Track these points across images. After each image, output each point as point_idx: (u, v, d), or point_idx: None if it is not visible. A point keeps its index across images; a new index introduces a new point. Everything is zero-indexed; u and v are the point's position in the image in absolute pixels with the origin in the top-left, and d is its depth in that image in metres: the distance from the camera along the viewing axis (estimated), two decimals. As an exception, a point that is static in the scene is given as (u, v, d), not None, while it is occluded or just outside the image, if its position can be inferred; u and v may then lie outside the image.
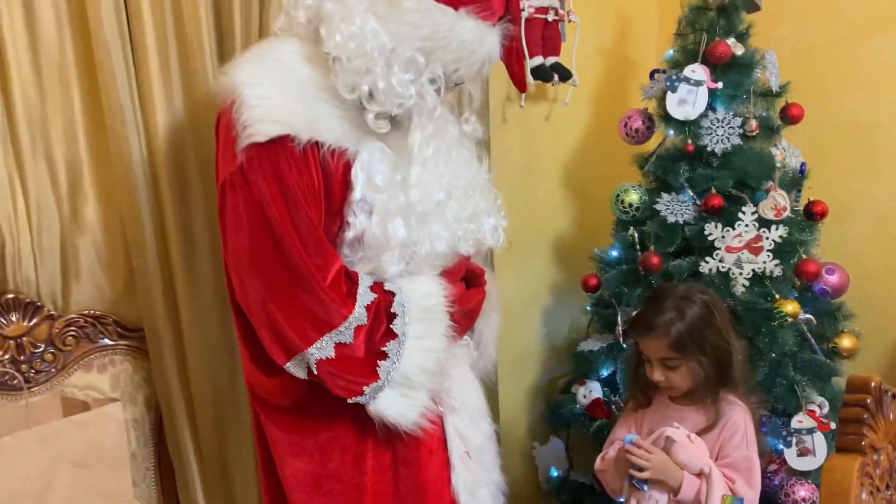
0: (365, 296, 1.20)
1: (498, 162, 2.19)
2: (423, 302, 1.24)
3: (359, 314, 1.19)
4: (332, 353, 1.17)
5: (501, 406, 2.35)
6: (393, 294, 1.22)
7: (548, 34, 2.17)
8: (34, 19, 1.34)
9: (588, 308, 2.26)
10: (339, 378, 1.18)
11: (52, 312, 1.44)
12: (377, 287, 1.22)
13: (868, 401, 0.82)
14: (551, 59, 2.19)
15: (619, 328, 2.09)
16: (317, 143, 1.17)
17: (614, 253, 2.15)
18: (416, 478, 1.28)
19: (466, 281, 1.39)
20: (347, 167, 1.21)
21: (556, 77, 2.16)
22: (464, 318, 1.33)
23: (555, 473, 2.30)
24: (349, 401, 1.18)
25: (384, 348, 1.20)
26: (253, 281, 1.15)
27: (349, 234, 1.22)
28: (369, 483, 1.25)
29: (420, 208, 1.24)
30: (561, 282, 2.45)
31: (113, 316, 1.50)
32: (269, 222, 1.14)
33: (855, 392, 0.84)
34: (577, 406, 2.18)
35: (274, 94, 1.14)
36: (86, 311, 1.47)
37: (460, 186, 1.32)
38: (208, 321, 1.48)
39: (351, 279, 1.22)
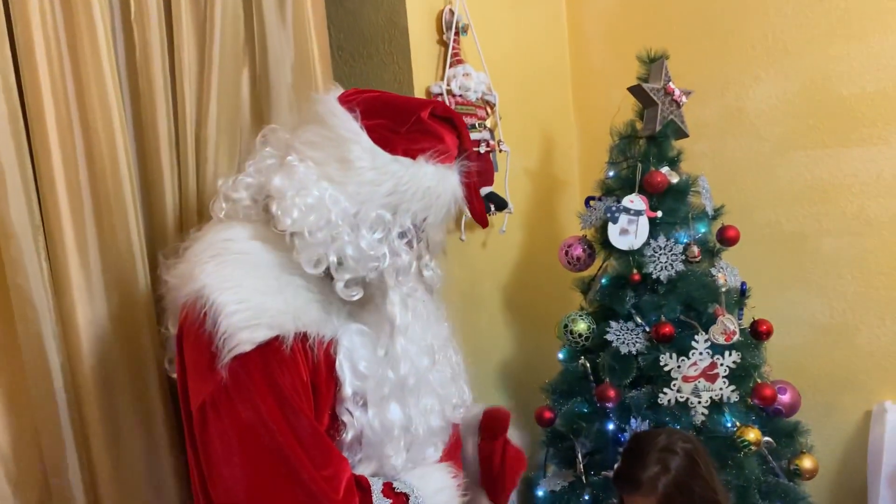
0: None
1: (442, 295, 2.11)
2: (438, 499, 1.14)
3: None
4: None
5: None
6: (407, 496, 1.10)
7: (482, 166, 2.14)
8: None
9: (543, 441, 2.16)
10: None
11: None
12: (388, 490, 1.10)
13: None
14: (486, 189, 2.15)
15: (580, 464, 2.01)
16: (304, 334, 1.06)
17: (565, 384, 2.08)
18: None
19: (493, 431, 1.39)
20: (328, 357, 1.10)
21: (492, 208, 2.13)
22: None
23: None
24: None
25: None
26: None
27: (347, 435, 1.10)
28: None
29: (412, 381, 1.14)
30: (511, 411, 2.34)
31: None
32: (268, 441, 1.00)
33: None
34: (544, 551, 2.05)
35: (252, 295, 1.02)
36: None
37: (438, 348, 1.24)
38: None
39: (361, 487, 1.08)
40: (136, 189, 1.25)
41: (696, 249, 1.93)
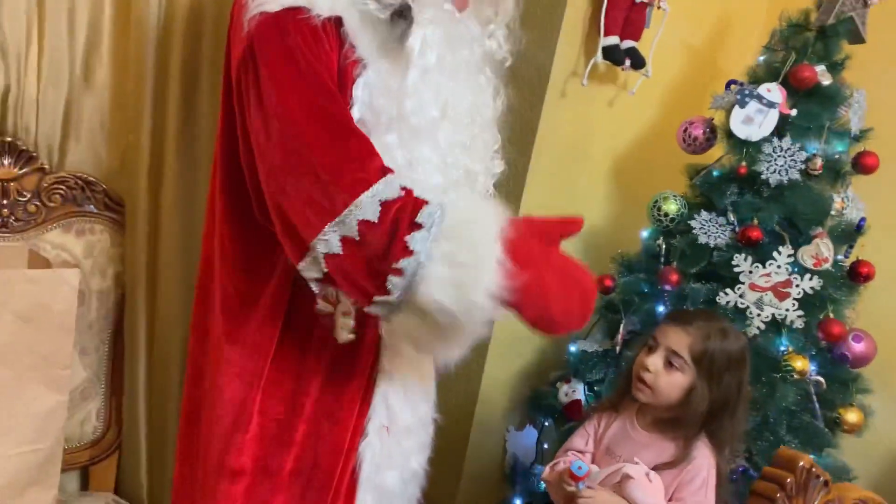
0: (383, 191, 1.01)
1: (544, 137, 2.09)
2: (463, 215, 1.03)
3: (365, 209, 1.00)
4: (338, 249, 1.00)
5: (484, 383, 2.29)
6: (426, 202, 1.03)
7: (632, 16, 2.02)
8: None
9: (599, 309, 2.16)
10: (351, 280, 1.04)
11: (45, 166, 1.44)
12: (409, 190, 1.04)
13: (788, 480, 0.72)
14: (628, 43, 2.04)
15: (620, 336, 2.00)
16: (339, 20, 1.06)
17: (637, 261, 2.04)
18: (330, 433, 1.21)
19: None
20: (350, 72, 1.09)
21: (627, 62, 2.03)
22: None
23: (516, 463, 2.24)
24: (365, 309, 1.06)
25: (396, 265, 1.00)
26: (264, 168, 1.06)
27: None
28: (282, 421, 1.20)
29: (414, 121, 1.11)
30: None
31: (105, 185, 1.49)
32: (285, 99, 1.02)
33: (779, 467, 0.74)
34: (557, 402, 2.11)
35: None
36: (78, 174, 1.47)
37: (460, 110, 1.18)
38: (190, 209, 1.46)
39: (383, 169, 1.05)
40: None
41: (818, 162, 1.77)
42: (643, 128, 2.28)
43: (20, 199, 1.42)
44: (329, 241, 1.01)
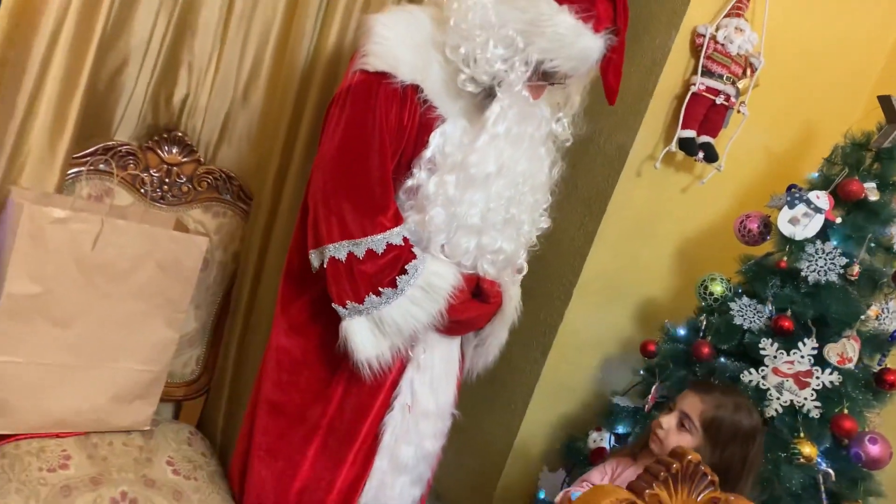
0: (393, 236, 1.42)
1: (615, 207, 2.34)
2: (432, 279, 1.45)
3: (376, 243, 1.40)
4: (343, 258, 1.40)
5: (525, 422, 2.51)
6: (415, 256, 1.44)
7: (711, 115, 2.25)
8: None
9: (641, 371, 2.35)
10: (337, 282, 1.42)
11: (201, 158, 1.84)
12: (408, 241, 1.44)
13: (674, 466, 0.92)
14: (704, 138, 2.27)
15: (651, 398, 2.17)
16: (418, 87, 1.40)
17: (681, 331, 2.23)
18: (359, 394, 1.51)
19: (476, 296, 1.56)
20: (429, 123, 1.43)
21: (700, 154, 2.25)
22: (457, 325, 1.53)
23: (542, 496, 2.42)
24: (332, 305, 1.43)
25: (382, 289, 1.42)
26: (319, 177, 1.43)
27: (409, 181, 1.46)
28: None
29: (472, 171, 1.42)
30: (632, 340, 2.53)
31: (241, 181, 1.87)
32: (355, 141, 1.40)
33: (671, 456, 0.94)
34: (587, 448, 2.29)
35: (393, 37, 1.39)
36: (224, 169, 1.87)
37: (514, 171, 1.48)
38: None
39: (396, 217, 1.44)
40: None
41: (856, 269, 1.91)
42: (709, 216, 2.48)
43: (178, 180, 1.82)
44: (339, 249, 1.40)
